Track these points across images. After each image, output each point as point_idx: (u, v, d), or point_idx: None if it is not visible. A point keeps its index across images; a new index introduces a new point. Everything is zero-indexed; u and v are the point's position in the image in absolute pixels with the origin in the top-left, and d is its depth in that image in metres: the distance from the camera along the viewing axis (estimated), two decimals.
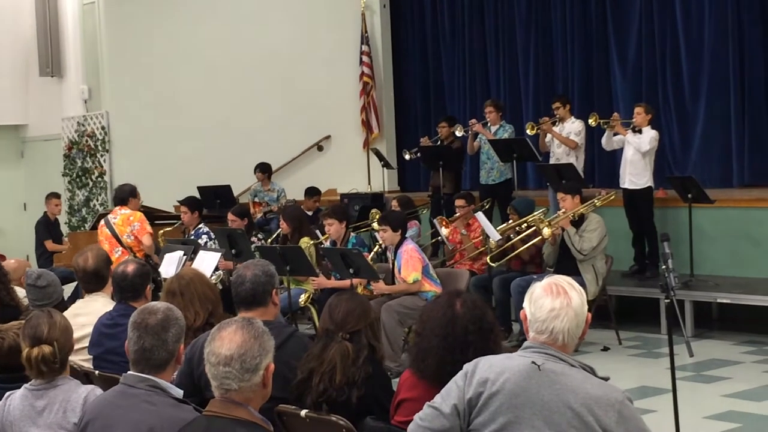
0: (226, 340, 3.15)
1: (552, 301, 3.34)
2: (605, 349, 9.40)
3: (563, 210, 9.51)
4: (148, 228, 9.54)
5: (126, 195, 9.82)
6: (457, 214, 10.67)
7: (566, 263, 9.38)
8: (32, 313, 4.16)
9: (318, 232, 10.14)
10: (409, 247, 8.90)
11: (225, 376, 3.13)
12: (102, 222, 9.77)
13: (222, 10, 15.27)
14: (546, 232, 9.33)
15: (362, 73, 15.24)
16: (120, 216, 9.57)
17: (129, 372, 3.65)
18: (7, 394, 4.11)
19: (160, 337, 3.61)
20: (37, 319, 4.07)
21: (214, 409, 3.18)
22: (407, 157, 13.06)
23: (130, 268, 5.35)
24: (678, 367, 8.18)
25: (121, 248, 9.36)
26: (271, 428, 3.23)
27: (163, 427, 3.41)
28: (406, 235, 9.17)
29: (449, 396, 3.36)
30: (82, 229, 14.66)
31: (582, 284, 8.97)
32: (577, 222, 9.45)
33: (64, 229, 14.45)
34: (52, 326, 4.03)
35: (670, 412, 5.62)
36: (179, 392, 3.64)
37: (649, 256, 10.72)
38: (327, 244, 9.80)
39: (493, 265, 9.76)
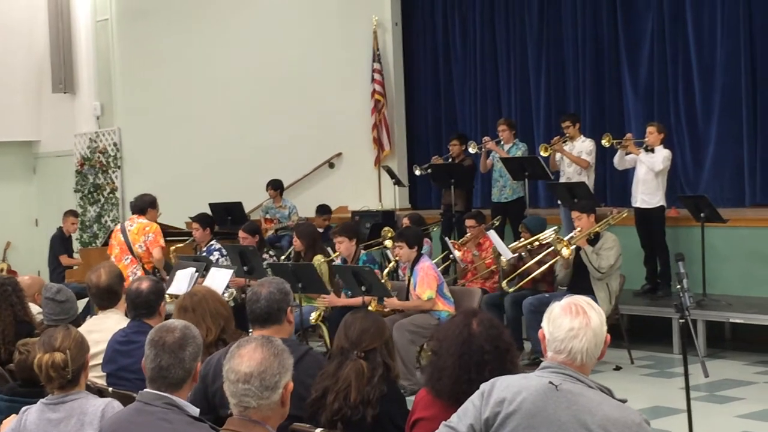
0: (245, 358, 3.16)
1: (571, 321, 3.34)
2: (617, 368, 9.38)
3: (579, 229, 9.47)
4: (161, 241, 9.41)
5: (146, 205, 9.64)
6: (468, 234, 10.65)
7: (580, 282, 9.34)
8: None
9: (330, 249, 10.15)
10: (425, 265, 8.90)
11: (244, 393, 3.13)
12: (117, 227, 9.62)
13: (234, 27, 15.32)
14: (565, 252, 9.26)
15: (374, 91, 15.27)
16: (136, 224, 9.38)
17: (145, 389, 3.65)
18: (24, 408, 4.11)
19: (177, 356, 3.60)
20: (54, 331, 4.11)
21: (232, 428, 3.18)
22: (417, 172, 13.07)
23: (145, 285, 5.36)
24: (691, 387, 8.22)
25: (131, 256, 9.21)
26: None
27: None
28: (422, 252, 9.15)
29: (465, 416, 3.35)
30: (94, 245, 14.68)
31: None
32: (592, 240, 9.43)
33: (76, 245, 14.48)
34: (66, 336, 4.07)
35: None
36: (195, 410, 3.62)
37: (661, 275, 10.70)
38: (338, 261, 9.80)
39: (509, 291, 9.65)
